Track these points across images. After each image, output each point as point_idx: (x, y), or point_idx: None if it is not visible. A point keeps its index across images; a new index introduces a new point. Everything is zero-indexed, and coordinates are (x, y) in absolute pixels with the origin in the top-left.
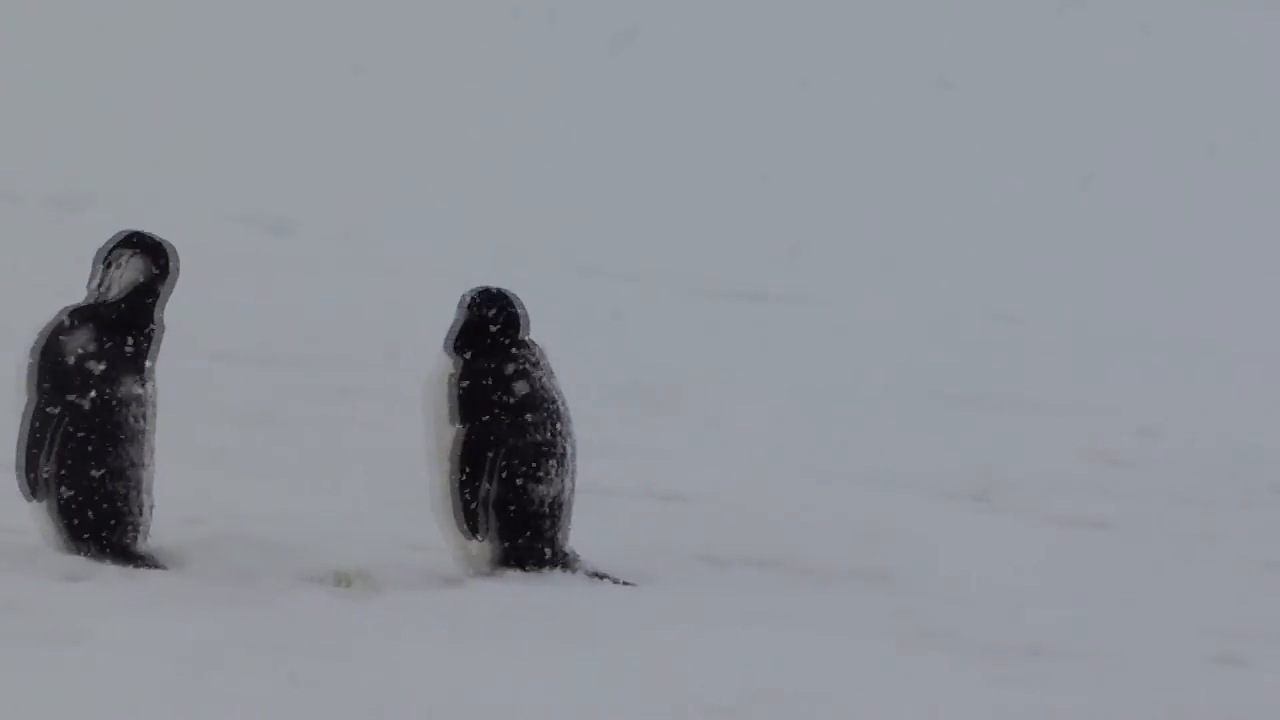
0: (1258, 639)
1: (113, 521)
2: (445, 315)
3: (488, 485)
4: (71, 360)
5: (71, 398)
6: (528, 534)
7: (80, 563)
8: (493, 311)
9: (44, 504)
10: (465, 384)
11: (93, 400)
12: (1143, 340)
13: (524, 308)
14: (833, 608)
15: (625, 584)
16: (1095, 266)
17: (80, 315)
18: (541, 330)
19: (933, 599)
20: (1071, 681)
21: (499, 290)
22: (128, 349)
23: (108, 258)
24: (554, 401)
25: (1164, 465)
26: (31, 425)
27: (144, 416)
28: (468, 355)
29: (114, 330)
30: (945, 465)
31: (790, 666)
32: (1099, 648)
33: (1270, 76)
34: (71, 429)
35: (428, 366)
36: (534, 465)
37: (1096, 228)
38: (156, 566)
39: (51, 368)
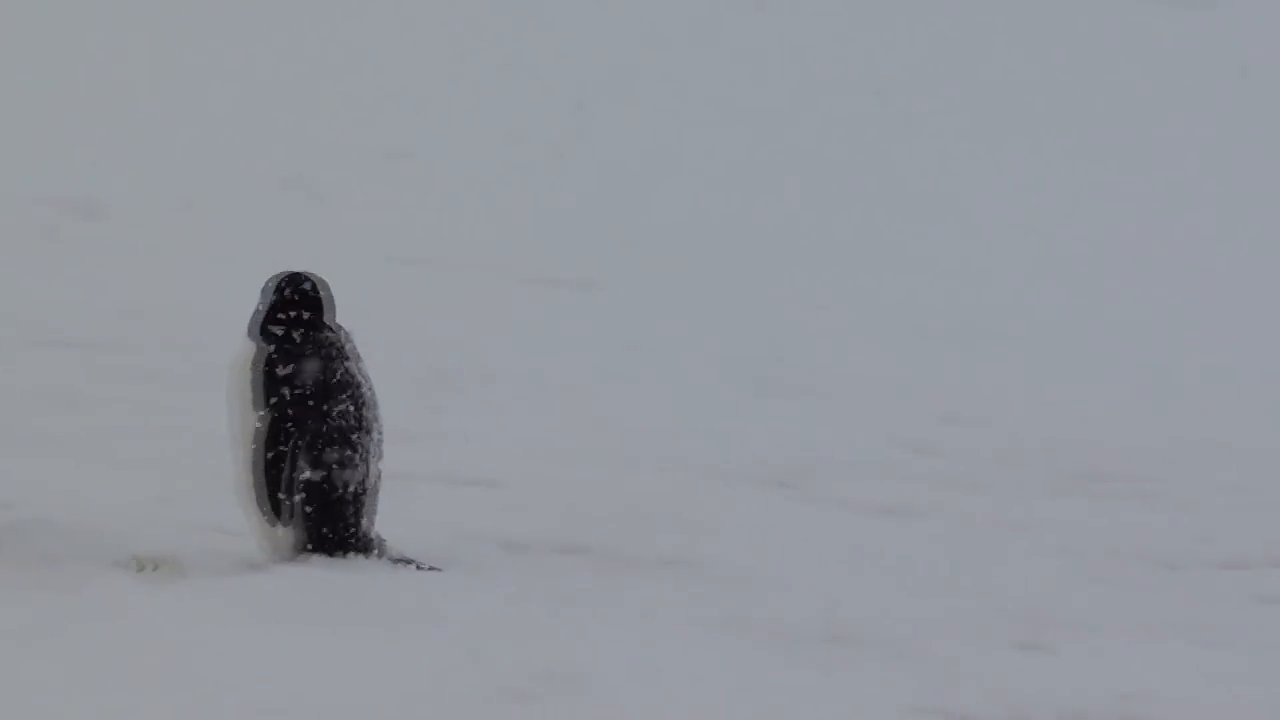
0: (1061, 626)
1: None
2: (251, 299)
3: (292, 470)
4: None
5: None
6: (332, 519)
7: None
8: (298, 295)
9: None
10: (270, 369)
11: None
12: (947, 327)
13: (330, 291)
14: (636, 593)
15: (430, 569)
16: (901, 251)
17: None
18: (348, 315)
19: (736, 585)
20: (874, 668)
21: (305, 274)
22: None
23: None
24: (360, 386)
25: (969, 452)
26: None
27: None
28: (273, 340)
29: None
30: (751, 451)
31: (592, 651)
32: (903, 634)
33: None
34: None
35: (233, 350)
36: (339, 450)
37: (904, 213)
38: None
39: None
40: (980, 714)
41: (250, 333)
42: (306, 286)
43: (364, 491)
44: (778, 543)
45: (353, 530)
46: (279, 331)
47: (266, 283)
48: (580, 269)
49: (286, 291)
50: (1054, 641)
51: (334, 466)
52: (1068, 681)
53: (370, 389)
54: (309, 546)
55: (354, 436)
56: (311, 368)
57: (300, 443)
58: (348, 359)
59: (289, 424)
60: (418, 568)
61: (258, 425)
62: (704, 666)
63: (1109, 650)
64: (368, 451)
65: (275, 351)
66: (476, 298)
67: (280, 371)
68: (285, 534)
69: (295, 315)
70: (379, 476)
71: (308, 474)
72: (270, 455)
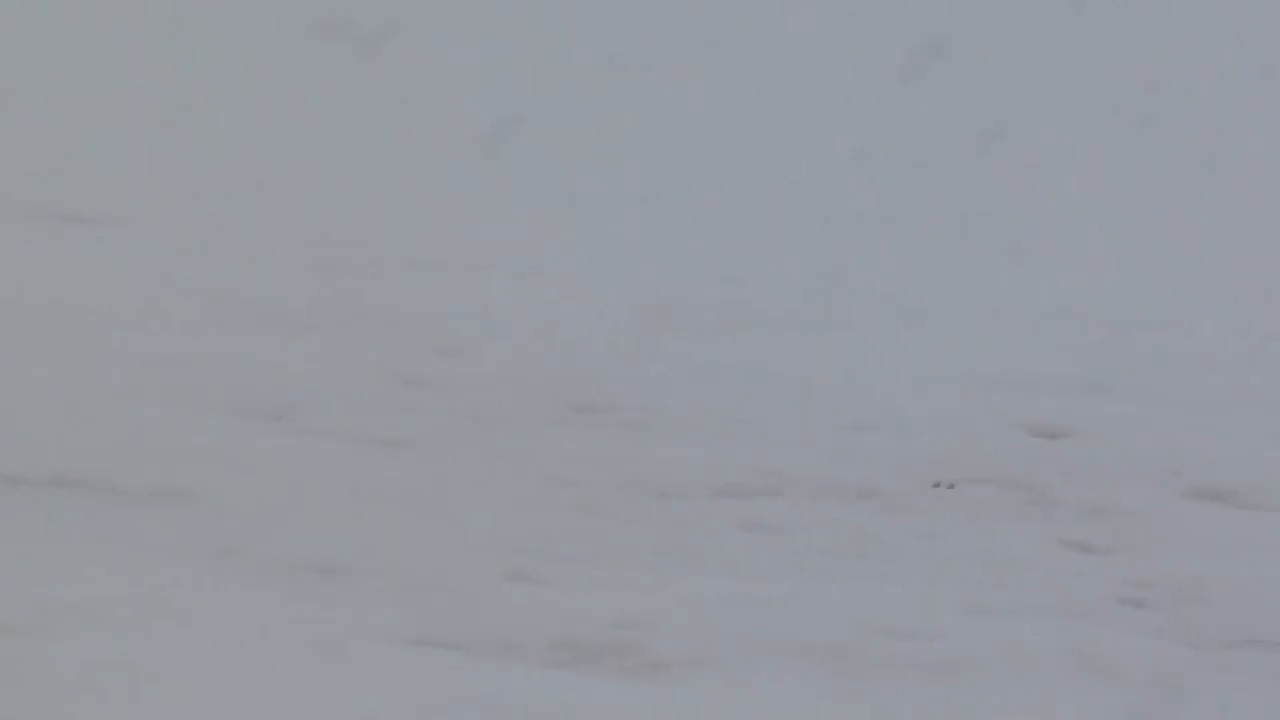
0: (551, 556)
1: None
2: None
3: None
4: None
5: None
6: None
7: None
8: None
9: None
10: None
11: None
12: (443, 258)
13: None
14: (133, 527)
15: None
16: (400, 184)
17: None
18: None
19: (230, 517)
20: (369, 599)
21: None
22: None
23: None
24: None
25: (462, 384)
26: None
27: None
28: None
29: None
30: (244, 384)
31: (86, 587)
32: (397, 566)
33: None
34: None
35: None
36: None
37: (416, 149)
38: None
39: None
40: (472, 643)
41: None
42: None
43: None
44: (271, 475)
45: None
46: None
47: None
48: (87, 203)
49: None
50: (545, 572)
51: None
52: (559, 611)
53: None
54: None
55: None
56: None
57: None
58: None
59: None
60: None
61: None
62: (200, 601)
63: (601, 580)
64: None
65: None
66: None
67: None
68: None
69: None
70: None
71: None
72: None
